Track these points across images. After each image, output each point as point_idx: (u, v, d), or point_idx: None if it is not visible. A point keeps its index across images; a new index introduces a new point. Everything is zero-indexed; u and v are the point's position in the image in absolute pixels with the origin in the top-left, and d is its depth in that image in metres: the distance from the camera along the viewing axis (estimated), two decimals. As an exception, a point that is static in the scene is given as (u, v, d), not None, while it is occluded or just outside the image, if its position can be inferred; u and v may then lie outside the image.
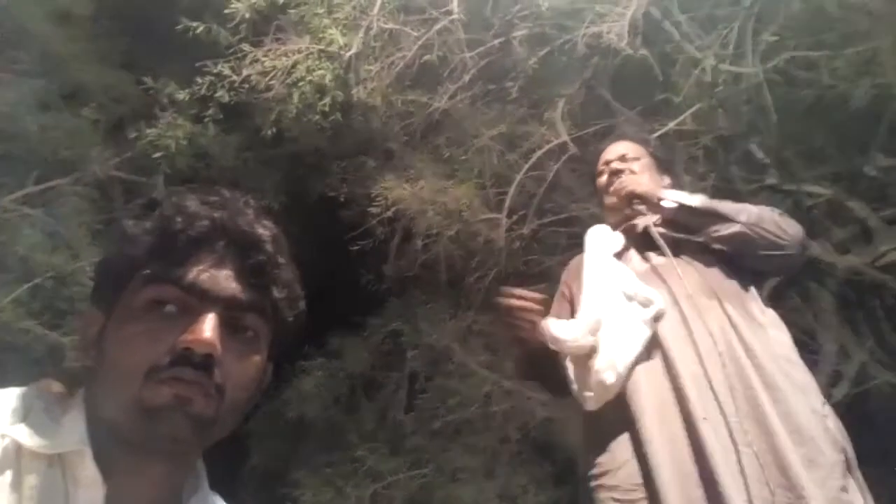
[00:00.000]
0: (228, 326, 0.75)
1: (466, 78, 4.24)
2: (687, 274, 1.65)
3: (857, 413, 3.80)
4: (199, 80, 4.37)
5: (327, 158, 5.15)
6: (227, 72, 4.28)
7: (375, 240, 4.76)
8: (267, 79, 4.19)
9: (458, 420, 5.01)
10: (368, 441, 5.31)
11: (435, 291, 4.93)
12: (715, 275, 1.66)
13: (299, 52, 4.22)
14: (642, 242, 1.77)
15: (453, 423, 5.02)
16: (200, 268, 0.75)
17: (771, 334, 1.59)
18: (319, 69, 4.19)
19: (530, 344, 1.63)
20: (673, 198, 1.74)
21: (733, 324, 1.56)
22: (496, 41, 4.13)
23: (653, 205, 1.77)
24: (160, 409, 0.70)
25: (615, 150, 1.95)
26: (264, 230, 0.80)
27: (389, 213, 4.53)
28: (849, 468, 1.45)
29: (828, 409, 1.52)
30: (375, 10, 4.11)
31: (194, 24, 4.30)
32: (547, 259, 4.26)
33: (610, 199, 1.88)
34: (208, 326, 0.73)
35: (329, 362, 5.46)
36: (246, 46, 4.26)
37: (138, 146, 4.68)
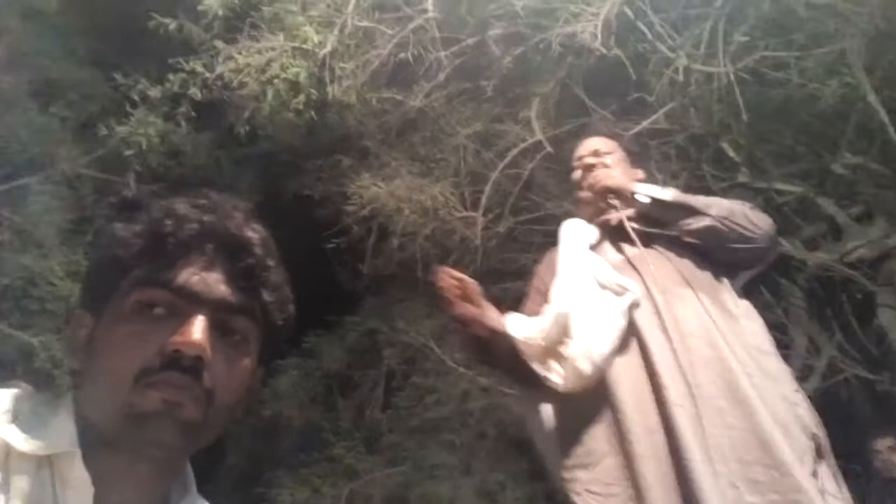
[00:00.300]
0: (218, 329, 0.75)
1: (442, 76, 4.24)
2: (660, 264, 1.68)
3: (827, 406, 3.88)
4: (171, 77, 4.31)
5: (302, 157, 5.12)
6: (199, 69, 4.23)
7: (351, 238, 4.75)
8: (240, 76, 4.15)
9: (435, 417, 5.02)
10: (345, 439, 5.31)
11: (411, 290, 4.92)
12: (688, 266, 1.69)
13: (273, 49, 4.18)
14: (616, 235, 1.79)
15: (430, 420, 5.03)
16: (190, 271, 0.75)
17: (743, 324, 1.61)
18: (294, 67, 4.16)
19: (477, 330, 1.60)
20: (646, 191, 1.76)
21: (707, 312, 1.58)
22: (471, 40, 4.13)
23: (626, 198, 1.79)
24: (149, 414, 0.70)
25: (588, 145, 1.96)
26: (253, 233, 0.80)
27: (365, 212, 4.52)
28: (821, 454, 1.48)
29: (800, 398, 1.55)
30: (350, 7, 4.09)
31: (166, 20, 4.25)
32: (523, 257, 4.27)
33: (584, 194, 1.89)
34: (198, 329, 0.72)
35: (305, 361, 5.44)
36: (219, 43, 4.22)
37: (109, 144, 4.61)
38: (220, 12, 4.12)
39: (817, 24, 3.40)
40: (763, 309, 4.06)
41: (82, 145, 5.12)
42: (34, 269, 4.72)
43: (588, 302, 1.60)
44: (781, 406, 1.47)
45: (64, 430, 0.73)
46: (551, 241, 1.92)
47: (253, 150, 5.18)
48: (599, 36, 3.46)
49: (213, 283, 0.76)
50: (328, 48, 4.11)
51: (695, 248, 1.71)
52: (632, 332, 1.57)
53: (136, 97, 4.51)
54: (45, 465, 0.71)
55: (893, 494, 3.70)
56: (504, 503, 4.84)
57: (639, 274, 1.66)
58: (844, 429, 3.89)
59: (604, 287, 1.63)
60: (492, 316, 1.59)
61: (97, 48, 5.39)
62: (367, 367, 5.50)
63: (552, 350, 1.59)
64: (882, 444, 3.80)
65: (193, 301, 0.74)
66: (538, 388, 1.62)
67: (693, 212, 1.70)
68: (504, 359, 1.62)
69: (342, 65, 4.20)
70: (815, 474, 1.41)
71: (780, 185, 3.88)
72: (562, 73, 4.10)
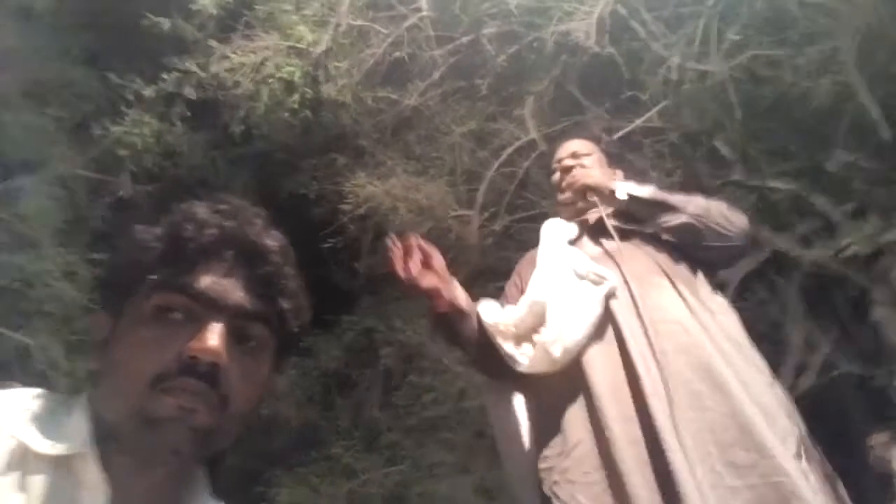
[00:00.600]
0: (234, 336, 0.76)
1: (436, 75, 4.24)
2: (637, 256, 1.70)
3: (822, 402, 3.90)
4: (165, 76, 4.31)
5: (297, 156, 5.12)
6: (194, 68, 4.23)
7: (347, 237, 4.74)
8: (235, 76, 4.15)
9: (433, 416, 5.02)
10: (343, 438, 5.31)
11: (408, 288, 4.91)
12: (665, 258, 1.71)
13: (268, 48, 4.18)
14: (595, 232, 1.82)
15: (428, 419, 5.03)
16: (209, 276, 0.76)
17: (719, 319, 1.63)
18: (288, 66, 4.16)
19: (439, 305, 1.57)
20: (624, 189, 1.79)
21: (685, 300, 1.60)
22: (465, 38, 4.13)
23: (605, 196, 1.82)
24: (163, 420, 0.71)
25: (567, 147, 2.00)
26: (272, 241, 0.81)
27: (361, 211, 4.52)
28: (804, 441, 1.49)
29: (778, 389, 1.56)
30: (344, 7, 4.09)
31: (160, 20, 4.24)
32: (519, 255, 4.26)
33: (564, 195, 1.93)
34: (215, 335, 0.73)
35: (302, 360, 5.44)
36: (213, 43, 4.21)
37: (104, 144, 4.61)
38: (214, 11, 4.11)
39: (810, 22, 3.41)
40: (758, 306, 4.09)
41: (77, 146, 5.11)
42: (30, 269, 4.72)
43: (565, 292, 1.62)
44: (766, 391, 1.49)
45: (79, 431, 0.74)
46: (547, 238, 1.94)
47: (248, 149, 5.17)
48: (593, 34, 3.47)
49: (232, 289, 0.76)
50: (322, 47, 4.11)
51: (672, 245, 1.73)
52: (609, 321, 1.58)
53: (130, 97, 4.51)
54: (61, 465, 0.72)
55: (888, 490, 3.72)
56: (502, 501, 4.85)
57: (616, 265, 1.67)
58: (839, 424, 3.92)
59: (581, 277, 1.64)
60: (455, 292, 1.57)
61: (91, 48, 5.38)
62: (365, 366, 5.50)
63: (524, 336, 1.59)
64: (877, 439, 3.82)
65: (211, 307, 0.75)
66: (504, 373, 1.62)
67: (670, 209, 1.72)
68: (466, 338, 1.61)
69: (337, 64, 4.20)
70: (799, 456, 1.41)
71: (773, 183, 3.89)
72: (556, 71, 4.10)
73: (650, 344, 1.51)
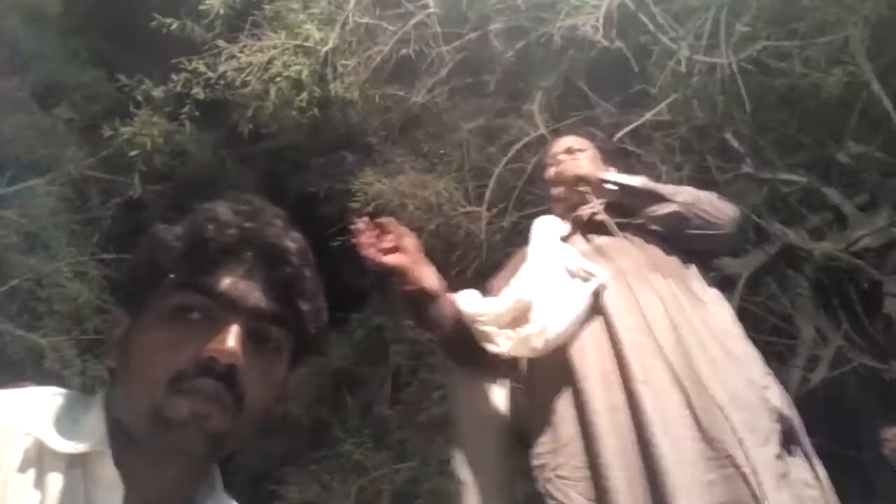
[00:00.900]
0: (252, 337, 0.76)
1: (444, 72, 4.24)
2: (629, 250, 1.72)
3: (835, 396, 3.87)
4: (174, 77, 4.32)
5: (306, 154, 5.13)
6: (202, 68, 4.24)
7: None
8: (243, 75, 4.16)
9: (442, 413, 5.01)
10: (354, 436, 5.32)
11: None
12: (656, 252, 1.73)
13: (275, 47, 4.19)
14: (587, 228, 1.84)
15: (438, 416, 5.02)
16: (228, 277, 0.76)
17: (712, 310, 1.65)
18: (296, 65, 4.16)
19: (407, 284, 1.56)
20: (614, 179, 1.82)
21: (675, 296, 1.61)
22: (473, 35, 4.12)
23: (596, 186, 1.83)
24: (176, 421, 0.71)
25: (561, 143, 2.03)
26: (292, 242, 0.81)
27: (370, 208, 4.51)
28: (792, 438, 1.50)
29: (770, 381, 1.57)
30: (351, 4, 4.09)
31: (168, 20, 4.25)
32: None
33: (556, 190, 1.95)
34: (233, 337, 0.74)
35: (313, 358, 5.44)
36: (221, 43, 4.22)
37: (114, 145, 4.64)
38: (222, 11, 4.12)
39: (820, 12, 3.38)
40: (769, 300, 4.06)
41: (87, 147, 5.15)
42: (42, 270, 4.76)
43: (554, 288, 1.63)
44: (747, 389, 1.49)
45: (95, 429, 0.74)
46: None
47: (257, 148, 5.20)
48: (601, 28, 3.45)
49: (251, 290, 0.77)
50: (330, 45, 4.11)
51: (663, 238, 1.75)
52: (600, 315, 1.60)
53: (139, 98, 4.53)
54: (76, 463, 0.72)
55: (902, 483, 3.70)
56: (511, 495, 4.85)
57: (607, 260, 1.69)
58: (852, 418, 3.89)
59: (573, 275, 1.66)
60: (424, 273, 1.56)
61: (100, 50, 5.42)
62: (375, 363, 5.50)
63: (504, 327, 1.60)
64: (890, 433, 3.79)
65: (230, 308, 0.75)
66: (477, 361, 1.63)
67: (659, 198, 1.74)
68: (434, 320, 1.60)
69: (344, 62, 4.20)
70: (780, 457, 1.42)
71: (784, 176, 3.86)
72: (564, 66, 4.09)
73: (651, 333, 1.54)
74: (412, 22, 4.07)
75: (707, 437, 1.40)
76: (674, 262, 1.72)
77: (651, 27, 3.62)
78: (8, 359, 4.45)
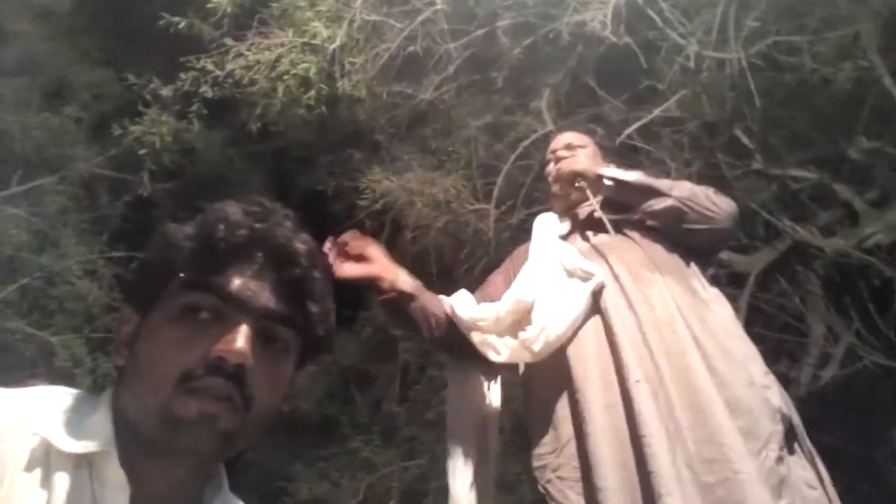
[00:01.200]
0: (261, 337, 0.76)
1: (451, 69, 4.22)
2: (629, 249, 1.72)
3: (846, 394, 3.85)
4: (182, 75, 4.33)
5: (314, 152, 5.13)
6: (210, 67, 4.24)
7: (364, 233, 4.74)
8: (251, 73, 4.16)
9: (451, 410, 5.01)
10: (363, 433, 5.33)
11: (425, 283, 4.91)
12: (657, 250, 1.72)
13: (283, 45, 4.18)
14: (585, 225, 1.84)
15: (446, 413, 5.03)
16: (238, 278, 0.76)
17: (713, 309, 1.64)
18: (303, 62, 4.16)
19: (381, 289, 1.61)
20: (611, 174, 1.81)
21: (673, 296, 1.61)
22: (480, 31, 4.10)
23: (593, 182, 1.83)
24: (184, 421, 0.71)
25: (561, 139, 2.02)
26: (302, 244, 0.81)
27: (378, 206, 4.52)
28: (793, 439, 1.49)
29: (770, 380, 1.56)
30: (358, 2, 4.08)
31: (176, 19, 4.26)
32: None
33: (555, 187, 1.94)
34: (242, 337, 0.74)
35: (321, 357, 5.45)
36: (229, 41, 4.22)
37: (123, 143, 4.65)
38: (229, 10, 4.12)
39: (830, 7, 3.36)
40: (780, 297, 4.04)
41: (96, 145, 5.17)
42: (52, 268, 4.78)
43: (553, 288, 1.63)
44: (747, 391, 1.48)
45: (102, 429, 0.74)
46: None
47: (265, 146, 5.20)
48: (609, 24, 3.43)
49: (260, 291, 0.77)
50: (337, 43, 4.10)
51: (663, 235, 1.74)
52: (598, 315, 1.60)
53: (148, 97, 4.53)
54: (83, 463, 0.73)
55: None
56: (521, 494, 4.84)
57: (606, 259, 1.69)
58: (864, 416, 3.87)
59: (571, 275, 1.65)
60: (397, 276, 1.61)
61: (109, 49, 5.44)
62: (383, 361, 5.51)
63: (504, 332, 1.61)
64: (902, 430, 3.77)
65: (240, 308, 0.75)
66: (468, 354, 1.64)
67: (656, 193, 1.73)
68: (416, 321, 1.64)
69: (351, 59, 4.19)
70: (780, 459, 1.41)
71: (794, 172, 3.84)
72: (572, 62, 4.07)
73: (641, 338, 1.53)
74: (419, 19, 4.06)
75: (703, 440, 1.40)
76: (674, 260, 1.72)
77: (659, 22, 3.59)
78: (19, 356, 4.49)
